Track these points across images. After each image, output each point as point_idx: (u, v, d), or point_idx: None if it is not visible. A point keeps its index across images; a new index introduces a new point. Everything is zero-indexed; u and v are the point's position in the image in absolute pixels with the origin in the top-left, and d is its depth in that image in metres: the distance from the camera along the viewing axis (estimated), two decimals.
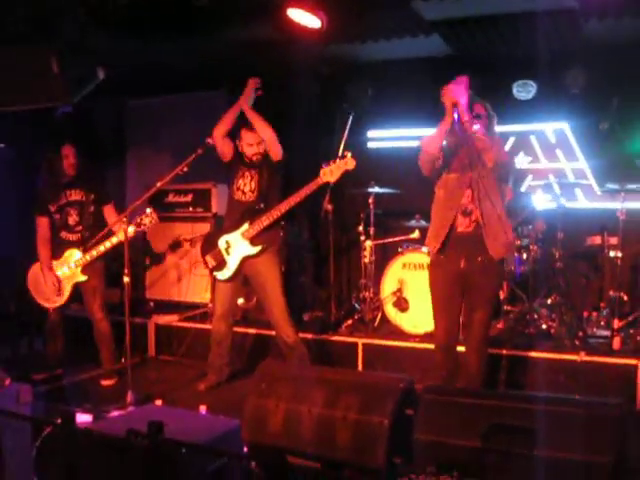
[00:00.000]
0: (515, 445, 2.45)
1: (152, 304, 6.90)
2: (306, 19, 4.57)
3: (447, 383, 4.27)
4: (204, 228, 6.73)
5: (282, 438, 2.96)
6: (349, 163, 4.84)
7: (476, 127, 4.01)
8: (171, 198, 6.91)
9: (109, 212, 5.53)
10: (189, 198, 6.89)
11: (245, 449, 3.43)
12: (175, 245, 6.89)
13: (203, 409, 4.36)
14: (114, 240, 5.23)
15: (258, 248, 5.02)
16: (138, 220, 5.11)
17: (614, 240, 5.70)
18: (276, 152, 5.03)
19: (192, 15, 5.40)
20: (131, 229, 5.00)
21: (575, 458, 2.35)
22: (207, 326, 6.15)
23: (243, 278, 5.21)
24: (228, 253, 5.09)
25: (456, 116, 4.00)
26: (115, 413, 4.50)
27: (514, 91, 6.68)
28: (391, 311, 5.89)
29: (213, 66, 6.90)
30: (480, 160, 4.07)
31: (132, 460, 2.79)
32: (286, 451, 2.88)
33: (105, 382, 5.48)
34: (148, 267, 7.05)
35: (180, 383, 5.49)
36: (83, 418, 3.99)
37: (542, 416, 2.53)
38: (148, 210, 5.20)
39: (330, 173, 4.83)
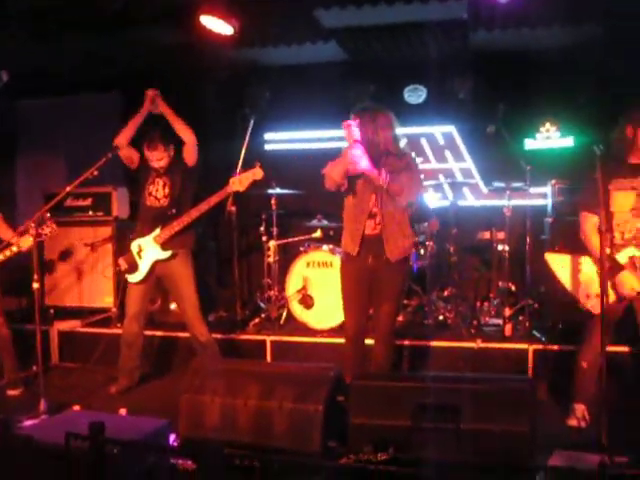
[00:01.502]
0: (442, 421, 2.69)
1: (52, 311, 6.74)
2: (218, 26, 4.64)
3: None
4: (105, 232, 6.65)
5: (219, 431, 3.07)
6: (257, 173, 4.93)
7: (382, 177, 4.11)
8: (70, 202, 6.75)
9: None
10: (89, 202, 6.77)
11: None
12: (75, 250, 6.77)
13: (123, 412, 4.36)
14: (14, 249, 5.10)
15: (169, 252, 5.07)
16: (38, 230, 4.98)
17: (501, 235, 6.14)
18: (192, 157, 5.10)
19: (93, 17, 5.37)
20: (30, 239, 4.89)
21: (497, 429, 2.61)
22: (111, 331, 6.13)
23: (156, 280, 5.23)
24: (140, 257, 5.11)
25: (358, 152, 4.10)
26: (29, 422, 4.41)
27: (405, 95, 7.04)
28: (297, 308, 6.06)
29: (108, 68, 6.83)
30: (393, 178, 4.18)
31: (72, 463, 2.81)
32: (224, 443, 3.00)
33: (11, 392, 5.30)
34: (46, 273, 6.88)
35: (90, 389, 5.41)
36: None
37: (464, 394, 2.79)
38: (48, 220, 5.08)
39: (239, 182, 4.92)
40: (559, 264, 4.27)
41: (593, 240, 4.03)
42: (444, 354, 5.44)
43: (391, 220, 4.26)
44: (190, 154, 5.10)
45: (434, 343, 5.47)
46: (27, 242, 4.92)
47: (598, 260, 3.88)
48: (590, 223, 4.11)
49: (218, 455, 2.90)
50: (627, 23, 5.62)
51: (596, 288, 3.83)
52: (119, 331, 5.59)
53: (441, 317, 5.99)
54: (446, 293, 6.19)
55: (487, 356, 5.33)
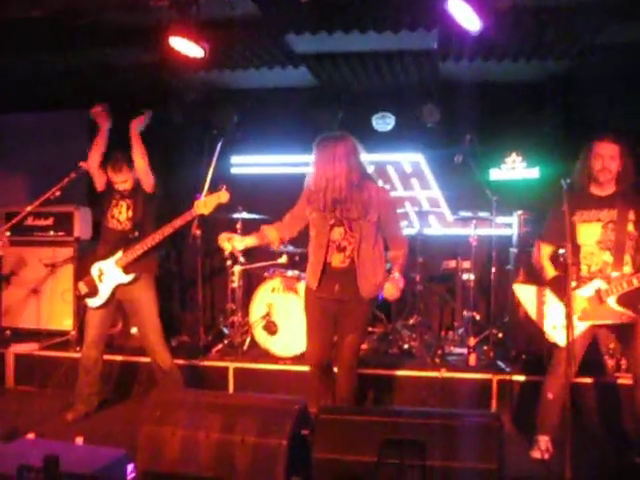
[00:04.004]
0: (408, 457, 2.64)
1: (8, 332, 6.57)
2: (188, 48, 4.60)
3: (318, 403, 4.37)
4: (66, 253, 6.52)
5: (179, 465, 2.98)
6: (222, 197, 4.80)
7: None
8: (30, 221, 6.61)
9: None
10: (50, 221, 6.65)
11: (131, 477, 3.43)
12: (34, 270, 6.61)
13: (80, 441, 4.22)
14: None
15: (131, 276, 4.96)
16: None
17: (467, 264, 6.16)
18: (149, 184, 5.01)
19: (61, 34, 5.29)
20: None
21: (465, 466, 2.57)
22: (70, 354, 5.97)
23: (117, 304, 5.12)
24: (101, 280, 4.99)
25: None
26: None
27: (373, 123, 7.07)
28: (260, 335, 5.97)
29: (75, 86, 6.73)
30: (362, 213, 4.14)
31: None
32: (184, 478, 2.91)
33: None
34: (3, 293, 6.71)
35: (45, 414, 5.24)
36: None
37: (432, 429, 2.75)
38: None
39: (204, 205, 4.79)
40: (526, 295, 4.28)
41: (547, 269, 4.22)
42: (408, 383, 5.41)
43: (365, 256, 4.16)
44: (144, 180, 5.01)
45: (398, 372, 5.44)
46: None
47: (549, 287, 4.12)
48: (543, 252, 4.26)
49: None
50: (592, 58, 5.74)
51: (562, 320, 3.82)
52: (78, 355, 5.46)
53: (406, 346, 5.95)
54: (411, 321, 6.18)
55: (451, 386, 5.31)
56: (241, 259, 6.27)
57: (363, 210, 4.13)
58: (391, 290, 4.09)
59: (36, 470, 2.70)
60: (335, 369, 4.47)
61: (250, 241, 4.45)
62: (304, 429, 3.01)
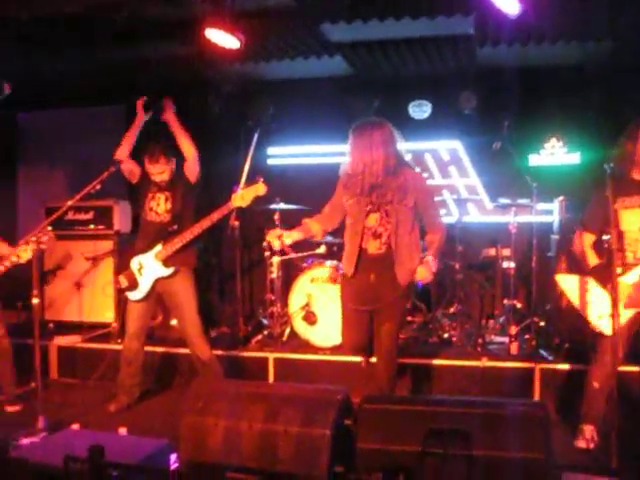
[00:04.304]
0: (453, 447, 2.61)
1: (52, 325, 6.67)
2: (224, 39, 4.60)
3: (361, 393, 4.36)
4: (106, 246, 6.60)
5: (222, 455, 2.98)
6: (260, 189, 4.80)
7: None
8: (71, 216, 6.70)
9: None
10: (90, 215, 6.73)
11: (174, 467, 3.46)
12: (75, 264, 6.71)
13: (123, 431, 4.27)
14: (14, 259, 5.01)
15: (171, 270, 4.98)
16: (35, 240, 4.90)
17: (507, 252, 6.08)
18: (194, 173, 5.03)
19: (96, 29, 5.34)
20: (28, 251, 4.81)
21: (511, 456, 2.53)
22: (112, 346, 6.04)
23: (157, 297, 5.15)
24: (141, 274, 5.02)
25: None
26: (26, 440, 4.33)
27: (410, 111, 7.00)
28: (300, 325, 5.97)
29: (112, 81, 6.80)
30: (398, 197, 4.13)
31: None
32: (226, 468, 2.92)
33: (10, 408, 5.21)
34: (46, 287, 6.82)
35: (89, 406, 5.32)
36: None
37: (477, 419, 2.71)
38: (45, 229, 5.02)
39: (241, 198, 4.79)
40: (569, 285, 4.20)
41: (589, 256, 4.14)
42: (448, 372, 5.36)
43: (402, 242, 4.14)
44: (191, 169, 5.04)
45: (438, 361, 5.39)
46: (26, 253, 4.81)
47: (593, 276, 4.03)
48: (585, 239, 4.19)
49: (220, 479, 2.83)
50: (633, 39, 5.59)
51: (607, 308, 3.75)
52: (119, 347, 5.51)
53: (446, 335, 5.90)
54: (451, 310, 6.12)
55: (492, 375, 5.23)
56: (292, 254, 6.25)
57: (399, 195, 4.12)
58: (423, 273, 4.07)
59: (81, 460, 2.73)
60: (374, 359, 4.45)
61: (296, 235, 4.48)
62: (347, 419, 2.99)
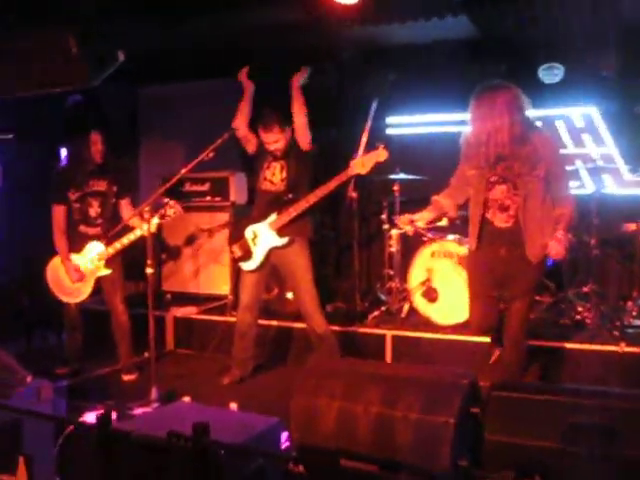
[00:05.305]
0: (601, 446, 2.27)
1: (169, 296, 6.72)
2: None
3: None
4: (222, 217, 6.58)
5: (335, 439, 2.78)
6: (381, 155, 4.66)
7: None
8: (188, 187, 6.73)
9: (126, 205, 5.37)
10: (206, 187, 6.72)
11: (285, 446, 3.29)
12: (192, 235, 6.71)
13: (234, 406, 4.18)
14: (138, 232, 5.05)
15: (285, 239, 4.86)
16: (162, 212, 4.94)
17: None
18: (305, 141, 4.89)
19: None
20: (155, 221, 4.83)
21: None
22: (227, 318, 6.01)
23: (271, 268, 5.03)
24: (255, 244, 4.92)
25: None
26: (139, 410, 4.35)
27: (540, 75, 6.50)
28: (420, 302, 5.69)
29: (226, 52, 6.68)
30: (528, 168, 3.86)
31: (173, 464, 2.62)
32: (340, 453, 2.70)
33: (126, 377, 5.32)
34: (164, 258, 6.87)
35: (202, 378, 5.33)
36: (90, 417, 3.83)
37: (624, 413, 2.35)
38: (171, 201, 5.02)
39: (361, 165, 4.65)
40: None
41: None
42: (582, 358, 4.94)
43: (532, 216, 3.88)
44: (301, 136, 4.89)
45: (570, 345, 4.99)
46: (152, 225, 4.81)
47: None
48: None
49: (334, 465, 2.62)
50: None
51: None
52: (234, 319, 5.46)
53: (579, 316, 5.45)
54: (585, 290, 5.63)
55: (633, 362, 4.77)
56: (429, 234, 5.93)
57: (529, 165, 3.84)
58: (556, 248, 3.83)
59: (185, 438, 2.60)
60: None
61: (427, 215, 4.36)
62: (474, 407, 2.70)
